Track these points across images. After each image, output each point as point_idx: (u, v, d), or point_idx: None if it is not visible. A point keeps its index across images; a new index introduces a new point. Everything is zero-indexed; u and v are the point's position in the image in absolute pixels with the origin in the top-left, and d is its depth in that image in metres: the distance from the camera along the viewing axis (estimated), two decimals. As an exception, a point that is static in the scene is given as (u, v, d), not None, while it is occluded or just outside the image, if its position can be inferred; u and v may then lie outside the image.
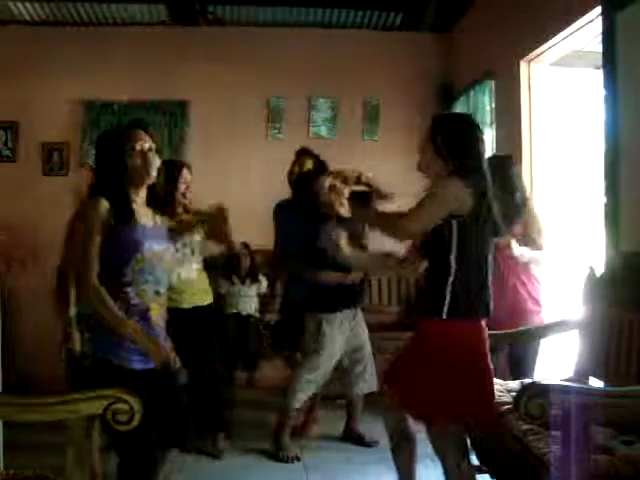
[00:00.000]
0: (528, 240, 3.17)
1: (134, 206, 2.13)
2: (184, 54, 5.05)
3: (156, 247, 2.14)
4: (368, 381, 3.63)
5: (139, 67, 5.01)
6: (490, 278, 2.26)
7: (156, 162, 2.17)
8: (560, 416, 1.77)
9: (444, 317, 2.19)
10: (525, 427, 2.11)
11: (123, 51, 5.02)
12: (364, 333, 3.70)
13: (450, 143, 2.24)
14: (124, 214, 2.07)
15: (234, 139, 5.06)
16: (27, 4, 4.74)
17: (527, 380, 2.69)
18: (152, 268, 2.11)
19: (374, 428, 3.41)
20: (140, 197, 2.18)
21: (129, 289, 2.06)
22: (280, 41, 5.13)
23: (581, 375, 2.60)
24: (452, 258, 2.18)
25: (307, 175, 3.67)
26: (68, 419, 1.71)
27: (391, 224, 2.35)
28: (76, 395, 1.74)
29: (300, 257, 3.53)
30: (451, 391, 2.19)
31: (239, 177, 5.07)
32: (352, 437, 3.77)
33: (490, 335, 3.03)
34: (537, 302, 3.24)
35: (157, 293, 2.15)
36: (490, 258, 2.27)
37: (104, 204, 2.05)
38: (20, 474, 1.82)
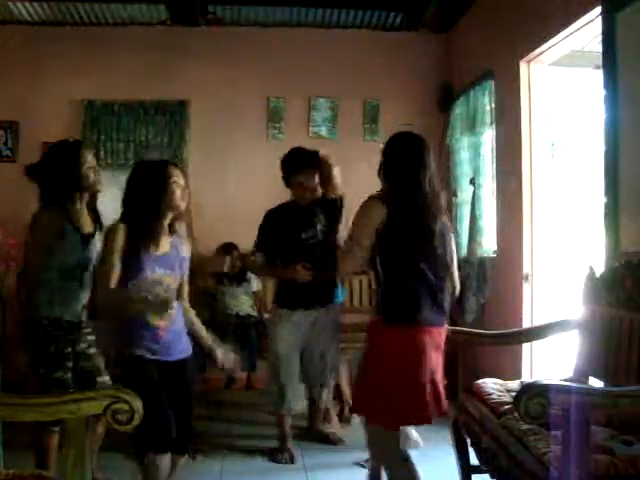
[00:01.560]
0: None
1: (156, 234, 2.46)
2: (184, 54, 5.04)
3: (158, 273, 2.45)
4: (313, 394, 3.60)
5: (139, 67, 5.02)
6: None
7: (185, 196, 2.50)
8: (560, 416, 1.77)
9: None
10: (525, 427, 2.11)
11: (123, 51, 5.02)
12: (329, 342, 3.50)
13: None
14: (137, 243, 2.41)
15: (234, 139, 5.05)
16: (27, 4, 4.74)
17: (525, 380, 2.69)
18: (150, 288, 2.42)
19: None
20: (164, 226, 2.50)
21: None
22: (280, 41, 5.14)
23: (581, 375, 2.60)
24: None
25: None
26: (68, 419, 1.71)
27: None
28: (76, 395, 1.75)
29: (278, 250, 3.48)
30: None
31: (239, 177, 5.07)
32: (317, 437, 3.74)
33: (490, 335, 3.07)
34: None
35: None
36: None
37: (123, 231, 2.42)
38: (20, 474, 1.82)
